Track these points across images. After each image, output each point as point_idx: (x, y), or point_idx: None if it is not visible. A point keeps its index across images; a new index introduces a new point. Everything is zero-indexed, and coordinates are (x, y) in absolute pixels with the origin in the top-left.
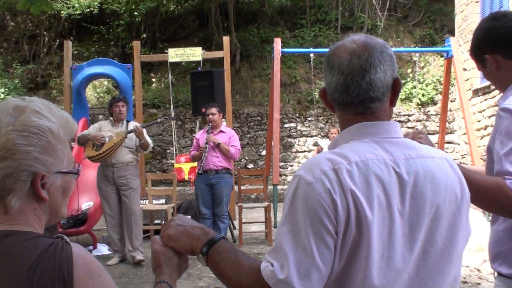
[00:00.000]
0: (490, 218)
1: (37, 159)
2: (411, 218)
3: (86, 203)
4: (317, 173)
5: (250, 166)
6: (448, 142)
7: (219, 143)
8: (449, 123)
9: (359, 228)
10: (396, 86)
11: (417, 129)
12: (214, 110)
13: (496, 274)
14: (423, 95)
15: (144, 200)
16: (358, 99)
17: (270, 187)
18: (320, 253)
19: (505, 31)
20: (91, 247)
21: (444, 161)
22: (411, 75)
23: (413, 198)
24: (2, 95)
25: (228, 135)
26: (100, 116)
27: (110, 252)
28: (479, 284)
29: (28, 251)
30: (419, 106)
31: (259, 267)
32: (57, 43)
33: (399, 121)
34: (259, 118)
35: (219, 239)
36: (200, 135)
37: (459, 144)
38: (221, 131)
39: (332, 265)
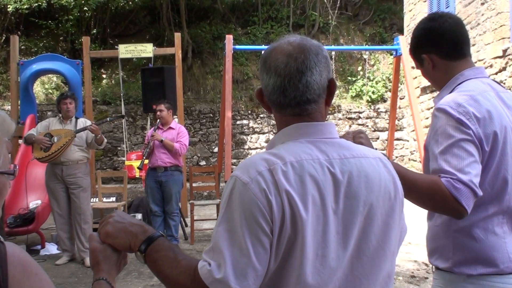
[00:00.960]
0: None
1: None
2: (345, 217)
3: (33, 201)
4: (253, 174)
5: (203, 163)
6: (398, 139)
7: (161, 140)
8: (398, 120)
9: (294, 227)
10: (331, 87)
11: (360, 127)
12: (162, 106)
13: (434, 268)
14: (373, 92)
15: (94, 198)
16: (295, 101)
17: (222, 184)
18: (256, 253)
19: (441, 31)
20: (39, 247)
21: (378, 160)
22: (361, 72)
23: (347, 197)
24: None
25: (176, 131)
26: (49, 113)
27: (59, 252)
28: (426, 278)
29: None
30: (369, 103)
31: (196, 266)
32: (3, 38)
33: (350, 118)
34: (211, 115)
35: (158, 237)
36: (150, 132)
37: (408, 141)
38: (170, 127)
39: (268, 264)
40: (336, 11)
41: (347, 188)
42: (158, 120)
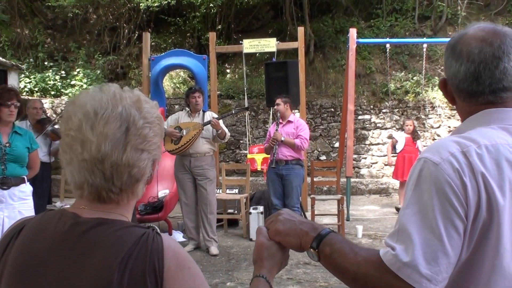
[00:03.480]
0: None
1: (158, 148)
2: None
3: (162, 190)
4: (445, 155)
5: (323, 157)
6: None
7: (281, 140)
8: None
9: (490, 214)
10: None
11: None
12: (278, 101)
13: None
14: None
15: (218, 190)
16: (490, 89)
17: (343, 180)
18: (449, 237)
19: None
20: (166, 234)
21: None
22: None
23: None
24: (85, 85)
25: (295, 125)
26: (176, 106)
27: (184, 239)
28: None
29: (120, 242)
30: None
31: (378, 254)
32: (136, 35)
33: None
34: (332, 110)
35: (329, 232)
36: (272, 128)
37: None
38: (289, 121)
39: (459, 253)
40: (465, 1)
41: None
42: (278, 115)
